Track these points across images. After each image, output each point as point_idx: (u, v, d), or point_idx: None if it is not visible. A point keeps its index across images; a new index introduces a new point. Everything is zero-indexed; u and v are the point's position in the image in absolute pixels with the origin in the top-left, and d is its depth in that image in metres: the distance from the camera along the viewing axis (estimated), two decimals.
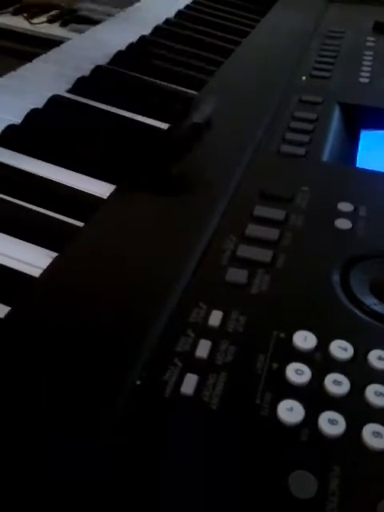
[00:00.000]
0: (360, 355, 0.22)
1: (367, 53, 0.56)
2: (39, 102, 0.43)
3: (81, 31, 0.61)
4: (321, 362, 0.22)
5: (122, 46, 0.56)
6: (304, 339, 0.23)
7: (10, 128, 0.40)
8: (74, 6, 0.67)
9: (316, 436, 0.19)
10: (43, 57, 0.52)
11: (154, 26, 0.63)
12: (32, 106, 0.42)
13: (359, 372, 0.22)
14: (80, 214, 0.32)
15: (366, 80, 0.50)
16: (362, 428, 0.20)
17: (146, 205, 0.32)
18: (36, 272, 0.27)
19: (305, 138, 0.39)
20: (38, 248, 0.29)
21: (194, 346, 0.22)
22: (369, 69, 0.52)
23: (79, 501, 0.17)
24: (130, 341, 0.23)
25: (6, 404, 0.20)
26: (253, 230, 0.29)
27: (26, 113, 0.41)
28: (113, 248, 0.28)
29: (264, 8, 0.72)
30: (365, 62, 0.54)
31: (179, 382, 0.21)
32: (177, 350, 0.22)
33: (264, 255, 0.27)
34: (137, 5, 0.70)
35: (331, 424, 0.20)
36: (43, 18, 0.72)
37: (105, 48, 0.55)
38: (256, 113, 0.43)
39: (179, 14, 0.69)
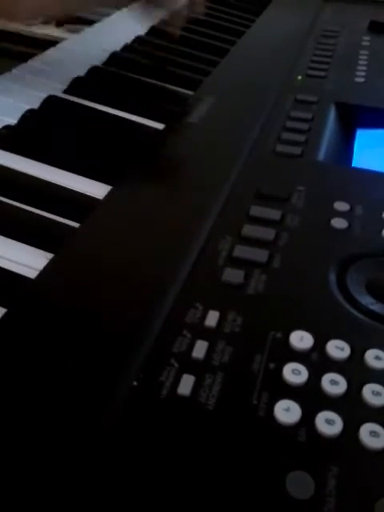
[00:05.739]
0: (357, 355, 0.22)
1: (363, 52, 0.56)
2: (35, 103, 0.43)
3: (76, 32, 0.60)
4: (317, 362, 0.22)
5: (118, 47, 0.56)
6: (301, 339, 0.23)
7: (6, 128, 0.39)
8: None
9: (313, 436, 0.19)
10: (39, 57, 0.52)
11: (149, 26, 0.63)
12: (27, 107, 0.42)
13: (356, 371, 0.22)
14: (76, 215, 0.31)
15: (362, 79, 0.50)
16: (359, 428, 0.20)
17: (141, 205, 0.32)
18: (32, 273, 0.27)
19: (301, 138, 0.39)
20: (34, 249, 0.29)
21: (191, 346, 0.22)
22: (364, 68, 0.52)
23: (77, 502, 0.17)
24: (126, 342, 0.23)
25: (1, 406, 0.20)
26: (249, 230, 0.29)
27: (21, 113, 0.41)
28: (109, 249, 0.28)
29: (259, 8, 0.72)
30: (360, 62, 0.54)
31: (176, 382, 0.21)
32: (173, 351, 0.22)
33: (260, 255, 0.27)
34: (133, 5, 0.70)
35: (328, 424, 0.20)
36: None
37: (100, 48, 0.55)
38: (252, 112, 0.43)
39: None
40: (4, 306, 0.25)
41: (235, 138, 0.39)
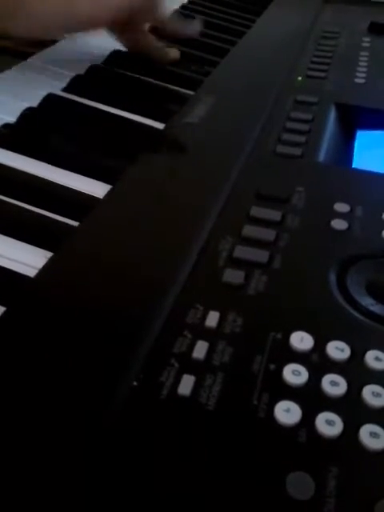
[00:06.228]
0: (357, 356, 0.22)
1: (363, 53, 0.56)
2: (34, 101, 0.43)
3: None
4: (318, 363, 0.22)
5: (118, 45, 0.56)
6: (301, 340, 0.23)
7: (5, 127, 0.39)
8: None
9: (313, 437, 0.19)
10: (38, 55, 0.52)
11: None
12: (27, 105, 0.42)
13: (356, 373, 0.22)
14: (75, 214, 0.31)
15: (362, 80, 0.50)
16: (359, 429, 0.20)
17: (141, 205, 0.32)
18: (31, 272, 0.27)
19: (301, 139, 0.39)
20: (34, 248, 0.29)
21: (191, 347, 0.22)
22: (364, 69, 0.52)
23: (77, 503, 0.17)
24: (126, 342, 0.23)
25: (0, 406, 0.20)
26: (249, 230, 0.29)
27: (20, 112, 0.41)
28: (109, 248, 0.28)
29: (259, 8, 0.72)
30: (360, 63, 0.54)
31: (176, 383, 0.21)
32: (174, 351, 0.22)
33: (261, 256, 0.27)
34: None
35: (328, 425, 0.20)
36: None
37: (100, 47, 0.55)
38: (252, 113, 0.43)
39: (175, 14, 0.69)
40: (3, 305, 0.25)
41: (235, 138, 0.39)
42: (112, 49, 0.55)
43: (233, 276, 0.26)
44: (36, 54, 0.52)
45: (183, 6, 0.72)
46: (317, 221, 0.30)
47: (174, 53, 0.53)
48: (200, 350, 0.22)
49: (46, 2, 0.38)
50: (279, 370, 0.21)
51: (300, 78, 0.49)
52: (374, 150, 0.42)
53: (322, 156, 0.37)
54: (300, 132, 0.40)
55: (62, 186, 0.35)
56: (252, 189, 0.33)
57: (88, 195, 0.34)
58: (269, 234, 0.29)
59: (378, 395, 0.21)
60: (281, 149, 0.37)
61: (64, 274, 0.27)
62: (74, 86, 0.47)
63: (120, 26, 0.46)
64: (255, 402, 0.20)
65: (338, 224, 0.30)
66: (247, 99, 0.46)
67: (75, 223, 0.31)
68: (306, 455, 0.19)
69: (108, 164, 0.37)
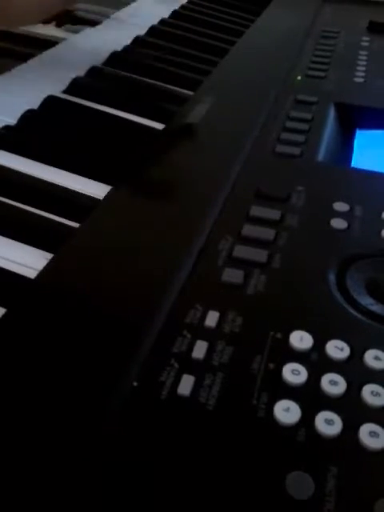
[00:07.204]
0: (356, 355, 0.22)
1: (362, 52, 0.56)
2: (34, 103, 0.43)
3: (76, 32, 0.60)
4: (317, 362, 0.22)
5: (118, 47, 0.56)
6: (300, 339, 0.23)
7: (5, 129, 0.39)
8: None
9: (313, 436, 0.19)
10: (38, 57, 0.52)
11: (149, 26, 0.63)
12: (27, 107, 0.42)
13: (356, 372, 0.22)
14: (75, 215, 0.31)
15: (361, 80, 0.50)
16: (358, 428, 0.20)
17: (141, 206, 0.32)
18: (31, 273, 0.27)
19: (300, 138, 0.39)
20: (34, 249, 0.29)
21: (191, 346, 0.22)
22: (364, 68, 0.52)
23: (77, 503, 0.17)
24: (126, 342, 0.23)
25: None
26: (249, 230, 0.29)
27: (21, 113, 0.41)
28: (108, 249, 0.28)
29: (259, 8, 0.72)
30: (360, 62, 0.54)
31: (176, 383, 0.21)
32: (173, 351, 0.22)
33: (260, 255, 0.27)
34: (132, 5, 0.70)
35: (328, 424, 0.20)
36: None
37: (100, 48, 0.55)
38: (251, 113, 0.43)
39: (174, 14, 0.69)
40: (3, 306, 0.25)
41: (235, 138, 0.39)
42: (112, 50, 0.55)
43: (232, 275, 0.26)
44: (36, 56, 0.52)
45: (182, 6, 0.72)
46: (316, 220, 0.30)
47: None
48: (199, 349, 0.22)
49: None
50: (279, 370, 0.22)
51: (299, 78, 0.49)
52: (373, 149, 0.42)
53: (321, 155, 0.37)
54: (299, 131, 0.40)
55: (62, 187, 0.35)
56: (251, 188, 0.33)
57: (88, 196, 0.34)
58: (268, 234, 0.29)
59: (377, 394, 0.21)
60: (280, 148, 0.37)
61: (64, 275, 0.27)
62: (74, 87, 0.47)
63: None
64: (255, 402, 0.20)
65: (338, 223, 0.30)
66: (247, 99, 0.46)
67: (75, 224, 0.31)
68: (306, 455, 0.19)
69: (108, 165, 0.37)
